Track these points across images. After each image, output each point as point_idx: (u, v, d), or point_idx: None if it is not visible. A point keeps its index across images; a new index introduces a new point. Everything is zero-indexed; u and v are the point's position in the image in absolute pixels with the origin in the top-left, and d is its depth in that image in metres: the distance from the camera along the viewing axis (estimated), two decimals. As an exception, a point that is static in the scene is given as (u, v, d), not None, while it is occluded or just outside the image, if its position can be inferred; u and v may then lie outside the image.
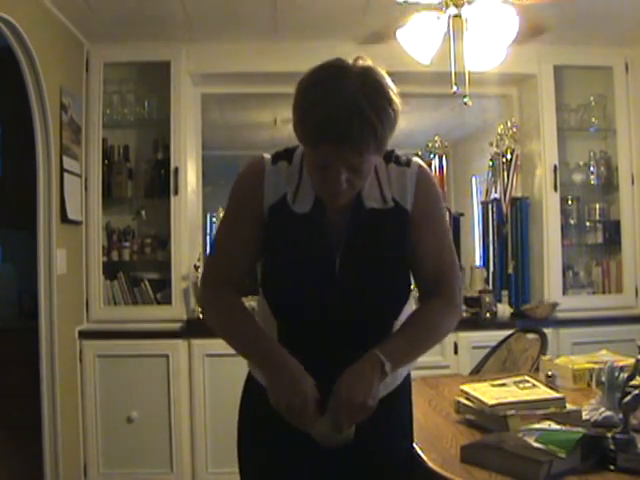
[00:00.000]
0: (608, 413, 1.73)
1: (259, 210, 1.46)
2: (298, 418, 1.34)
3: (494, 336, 3.16)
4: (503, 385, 1.94)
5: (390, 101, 1.31)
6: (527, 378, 2.00)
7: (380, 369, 1.36)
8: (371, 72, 1.33)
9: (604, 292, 3.96)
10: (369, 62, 1.36)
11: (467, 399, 1.87)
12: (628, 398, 1.51)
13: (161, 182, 3.70)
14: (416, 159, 1.53)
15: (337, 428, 1.35)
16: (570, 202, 3.99)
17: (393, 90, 1.33)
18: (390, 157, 1.47)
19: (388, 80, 1.34)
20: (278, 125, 6.08)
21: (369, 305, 1.45)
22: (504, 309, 3.81)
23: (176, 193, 3.66)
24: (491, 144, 4.20)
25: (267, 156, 1.50)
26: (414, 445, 1.60)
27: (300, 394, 1.33)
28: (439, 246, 1.51)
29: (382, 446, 1.50)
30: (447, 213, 1.63)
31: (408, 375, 1.59)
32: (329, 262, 1.43)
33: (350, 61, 1.34)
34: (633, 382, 1.61)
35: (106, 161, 3.70)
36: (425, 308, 1.51)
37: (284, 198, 1.45)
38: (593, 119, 3.96)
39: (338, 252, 1.44)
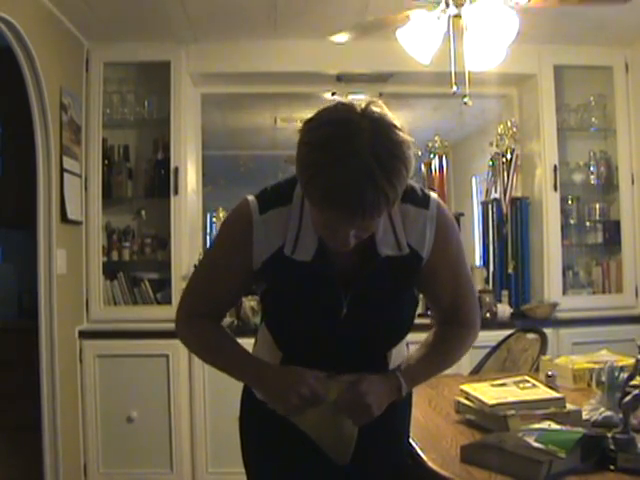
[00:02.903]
0: (608, 413, 1.73)
1: (247, 264, 1.39)
2: (294, 412, 1.36)
3: (494, 336, 3.15)
4: (503, 385, 1.94)
5: (404, 160, 1.19)
6: (527, 378, 2.00)
7: (397, 391, 1.42)
8: (383, 128, 1.19)
9: (604, 292, 3.95)
10: (379, 108, 1.22)
11: (467, 399, 1.87)
12: (628, 398, 1.51)
13: (161, 182, 3.70)
14: (434, 197, 1.42)
15: (339, 411, 1.38)
16: (570, 202, 3.99)
17: (406, 141, 1.21)
18: (406, 196, 1.31)
19: (400, 131, 1.21)
20: (278, 125, 6.08)
21: (373, 341, 1.45)
22: (504, 309, 3.81)
23: (176, 193, 3.66)
24: (491, 144, 4.20)
25: (253, 203, 1.38)
26: (411, 449, 1.61)
27: (301, 381, 1.34)
28: (457, 279, 1.48)
29: (385, 448, 1.51)
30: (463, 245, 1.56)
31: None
32: (335, 306, 1.39)
33: (360, 107, 1.21)
34: (633, 382, 1.61)
35: (106, 161, 3.70)
36: (446, 334, 1.52)
37: (280, 250, 1.36)
38: (593, 119, 3.96)
39: (345, 297, 1.38)
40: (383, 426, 1.44)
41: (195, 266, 1.56)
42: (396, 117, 1.23)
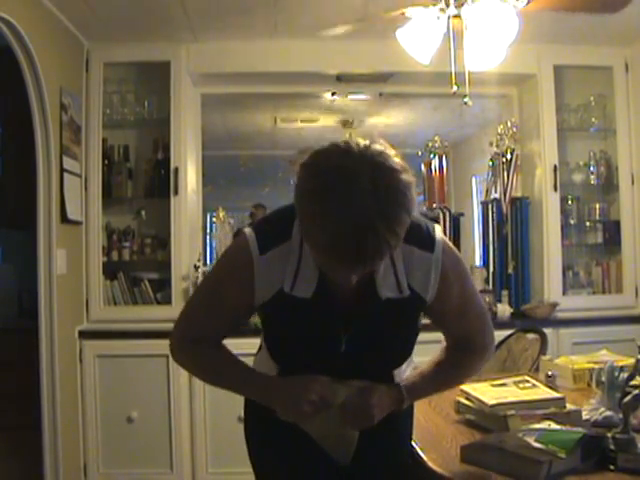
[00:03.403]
0: (608, 413, 1.73)
1: (249, 302, 1.39)
2: (307, 417, 1.37)
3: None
4: (503, 385, 1.94)
5: (406, 205, 1.16)
6: (527, 378, 2.00)
7: (398, 404, 1.43)
8: (383, 175, 1.15)
9: (604, 292, 3.95)
10: (380, 149, 1.19)
11: (467, 399, 1.87)
12: (628, 398, 1.51)
13: (161, 182, 3.70)
14: (439, 237, 1.38)
15: (343, 414, 1.39)
16: (570, 202, 3.99)
17: (408, 184, 1.17)
18: (410, 237, 1.26)
19: (401, 173, 1.17)
20: (278, 125, 6.08)
21: (373, 370, 1.45)
22: (504, 309, 3.81)
23: (176, 193, 3.66)
24: (491, 144, 4.20)
25: (253, 242, 1.34)
26: (412, 449, 1.61)
27: (309, 388, 1.34)
28: (466, 315, 1.47)
29: (386, 449, 1.52)
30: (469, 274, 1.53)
31: None
32: (334, 340, 1.38)
33: (358, 151, 1.17)
34: (633, 382, 1.60)
35: (106, 161, 3.70)
36: (456, 360, 1.52)
37: (280, 291, 1.34)
38: (593, 119, 3.96)
39: (344, 335, 1.38)
40: (385, 426, 1.44)
41: (191, 295, 1.54)
42: (396, 155, 1.20)
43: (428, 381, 1.50)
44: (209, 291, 1.46)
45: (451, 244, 1.42)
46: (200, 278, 3.75)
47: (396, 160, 1.18)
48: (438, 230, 1.40)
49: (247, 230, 1.38)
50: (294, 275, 1.33)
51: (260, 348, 1.56)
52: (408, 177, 1.18)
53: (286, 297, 1.34)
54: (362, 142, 1.19)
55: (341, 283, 1.26)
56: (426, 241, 1.35)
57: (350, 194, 1.12)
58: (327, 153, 1.19)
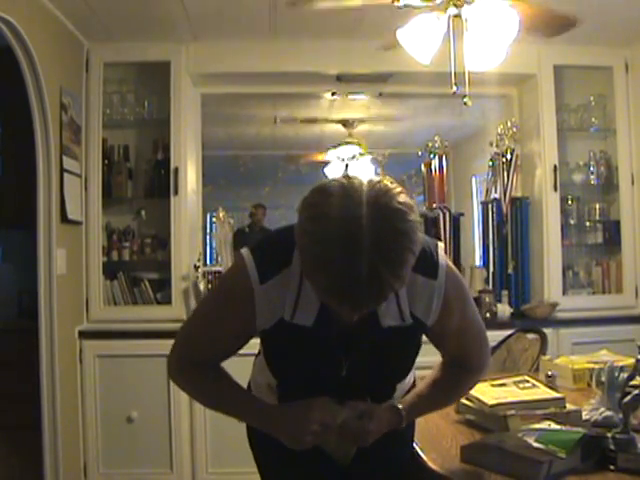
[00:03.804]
0: (608, 413, 1.73)
1: (249, 329, 1.38)
2: (323, 431, 1.36)
3: (494, 336, 3.13)
4: (503, 385, 1.94)
5: (411, 247, 1.13)
6: (527, 378, 2.01)
7: (396, 425, 1.43)
8: (388, 219, 1.11)
9: (604, 292, 3.95)
10: (384, 185, 1.15)
11: (467, 399, 1.87)
12: (628, 398, 1.51)
13: (161, 182, 3.70)
14: (442, 263, 1.35)
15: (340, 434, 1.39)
16: (570, 202, 3.99)
17: (413, 224, 1.13)
18: (415, 265, 1.20)
19: (406, 214, 1.13)
20: (278, 125, 6.09)
21: (375, 391, 1.45)
22: (504, 309, 3.81)
23: (176, 193, 3.66)
24: (491, 144, 4.20)
25: (253, 271, 1.30)
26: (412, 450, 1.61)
27: (310, 419, 1.34)
28: (465, 335, 1.46)
29: (387, 449, 1.50)
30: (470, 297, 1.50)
31: (412, 388, 1.60)
32: (335, 366, 1.38)
33: (361, 195, 1.12)
34: (633, 382, 1.61)
35: (106, 161, 3.70)
36: (452, 378, 1.52)
37: (281, 319, 1.33)
38: (593, 119, 3.96)
39: (345, 362, 1.37)
40: (382, 444, 1.44)
41: (189, 318, 1.52)
42: (401, 191, 1.16)
43: (425, 401, 1.50)
44: (208, 317, 1.43)
45: (453, 267, 1.40)
46: (200, 278, 3.75)
47: (401, 199, 1.14)
48: (441, 253, 1.37)
49: (246, 254, 1.33)
50: (295, 302, 1.31)
51: (259, 352, 1.55)
52: (414, 216, 1.14)
53: (286, 325, 1.33)
54: (365, 180, 1.15)
55: (343, 317, 1.26)
56: (430, 268, 1.32)
57: (353, 243, 1.09)
58: (328, 194, 1.14)
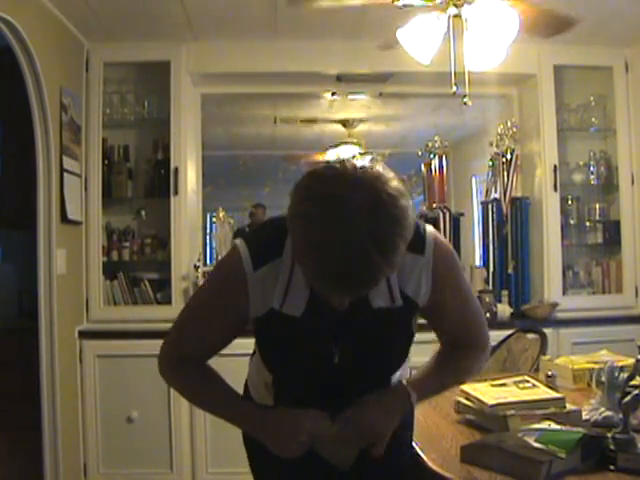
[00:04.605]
0: (608, 413, 1.73)
1: (242, 317, 1.36)
2: (301, 452, 1.35)
3: (494, 336, 3.10)
4: (503, 385, 1.94)
5: (403, 233, 1.12)
6: (527, 378, 2.00)
7: (407, 400, 1.40)
8: (380, 203, 1.11)
9: (604, 292, 3.95)
10: (377, 170, 1.14)
11: (467, 399, 1.87)
12: (628, 398, 1.51)
13: (161, 182, 3.70)
14: (429, 237, 1.34)
15: (345, 446, 1.38)
16: (570, 202, 3.99)
17: (405, 210, 1.12)
18: None
19: (399, 199, 1.12)
20: (278, 125, 6.09)
21: (370, 379, 1.43)
22: (504, 309, 3.81)
23: (176, 193, 3.66)
24: (491, 144, 4.20)
25: (246, 258, 1.30)
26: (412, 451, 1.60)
27: (298, 430, 1.33)
28: (461, 312, 1.45)
29: (388, 452, 1.49)
30: (464, 272, 1.50)
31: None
32: (327, 354, 1.37)
33: (354, 177, 1.12)
34: (633, 382, 1.61)
35: (106, 161, 3.70)
36: (456, 354, 1.49)
37: (272, 309, 1.32)
38: (593, 119, 3.96)
39: (336, 348, 1.36)
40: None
41: (182, 311, 1.50)
42: (394, 177, 1.15)
43: (432, 379, 1.47)
44: (202, 306, 1.42)
45: (444, 241, 1.39)
46: (200, 278, 3.75)
47: (394, 185, 1.13)
48: (430, 229, 1.36)
49: (239, 243, 1.34)
50: (284, 293, 1.31)
51: (254, 352, 1.54)
52: (406, 202, 1.14)
53: (277, 315, 1.32)
54: (359, 164, 1.14)
55: (333, 304, 1.27)
56: (417, 243, 1.29)
57: (345, 225, 1.08)
58: (322, 177, 1.14)
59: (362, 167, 1.14)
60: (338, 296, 1.22)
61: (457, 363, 1.50)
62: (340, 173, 1.13)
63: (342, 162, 1.15)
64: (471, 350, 1.50)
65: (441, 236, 1.39)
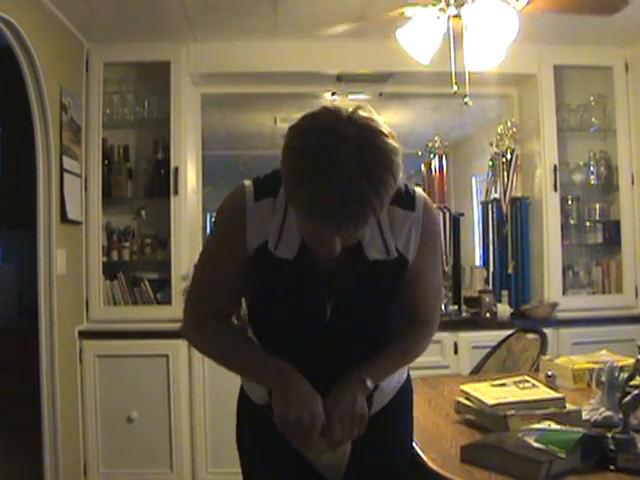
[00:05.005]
0: (608, 413, 1.73)
1: (242, 250, 1.36)
2: (302, 436, 1.30)
3: (494, 336, 3.16)
4: (503, 385, 1.94)
5: (391, 169, 1.16)
6: (527, 378, 2.00)
7: (362, 383, 1.36)
8: (370, 136, 1.16)
9: (604, 292, 3.95)
10: (367, 114, 1.19)
11: (467, 399, 1.87)
12: (628, 398, 1.51)
13: (161, 182, 3.70)
14: (419, 196, 1.38)
15: (333, 444, 1.34)
16: (570, 202, 3.99)
17: (394, 149, 1.17)
18: (392, 199, 1.25)
19: (388, 138, 1.18)
20: (278, 125, 6.08)
21: (362, 342, 1.42)
22: (504, 309, 3.81)
23: (176, 193, 3.66)
24: (491, 144, 4.20)
25: (249, 189, 1.37)
26: (412, 450, 1.59)
27: (311, 411, 1.29)
28: (431, 282, 1.46)
29: (381, 461, 1.48)
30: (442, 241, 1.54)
31: (405, 388, 1.56)
32: (319, 307, 1.37)
33: (346, 114, 1.17)
34: (633, 382, 1.61)
35: (106, 161, 3.70)
36: (404, 332, 1.48)
37: (265, 244, 1.34)
38: (593, 119, 3.96)
39: (329, 299, 1.36)
40: (378, 436, 1.42)
41: (195, 265, 1.53)
42: (384, 122, 1.21)
43: (381, 359, 1.43)
44: (209, 245, 1.48)
45: (431, 203, 1.43)
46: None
47: (385, 126, 1.19)
48: (419, 190, 1.41)
49: (246, 181, 1.40)
50: (279, 232, 1.33)
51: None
52: (395, 143, 1.18)
53: (270, 256, 1.33)
54: (351, 106, 1.20)
55: (325, 255, 1.26)
56: (407, 201, 1.36)
57: (336, 155, 1.13)
58: (316, 115, 1.19)
59: (356, 108, 1.20)
60: (327, 234, 1.21)
61: (406, 342, 1.48)
62: (334, 112, 1.18)
63: (335, 105, 1.20)
64: (422, 326, 1.50)
65: (430, 199, 1.43)
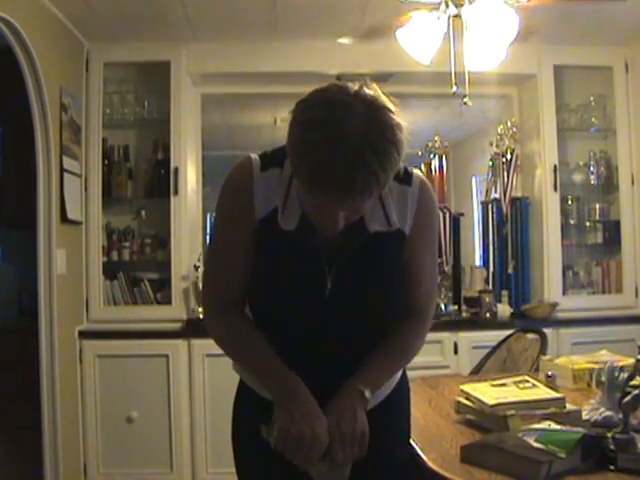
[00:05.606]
0: (608, 413, 1.73)
1: (251, 220, 1.37)
2: (303, 453, 1.27)
3: (494, 336, 3.16)
4: (503, 385, 1.94)
5: (396, 143, 1.20)
6: (527, 378, 2.00)
7: (360, 396, 1.34)
8: (376, 110, 1.19)
9: (604, 292, 3.95)
10: (373, 91, 1.22)
11: (467, 399, 1.87)
12: (628, 398, 1.51)
13: (161, 182, 3.70)
14: (417, 173, 1.42)
15: (335, 465, 1.31)
16: (570, 202, 3.99)
17: (399, 124, 1.21)
18: None
19: (393, 114, 1.21)
20: (278, 125, 6.08)
21: (361, 322, 1.40)
22: (504, 309, 3.81)
23: (176, 193, 3.66)
24: (491, 144, 4.20)
25: (255, 160, 1.38)
26: (412, 450, 1.59)
27: (314, 429, 1.27)
28: (424, 265, 1.45)
29: (378, 459, 1.46)
30: (437, 231, 1.54)
31: (402, 385, 1.55)
32: (319, 280, 1.36)
33: (353, 89, 1.20)
34: (633, 382, 1.60)
35: (106, 161, 3.70)
36: (399, 330, 1.45)
37: (274, 212, 1.35)
38: (593, 119, 3.96)
39: (329, 273, 1.35)
40: (374, 434, 1.37)
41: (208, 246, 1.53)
42: (390, 100, 1.23)
43: (376, 363, 1.40)
44: (221, 220, 1.45)
45: (429, 185, 1.45)
46: (200, 278, 3.75)
47: (391, 104, 1.22)
48: (417, 170, 1.44)
49: (252, 154, 1.41)
50: (283, 204, 1.35)
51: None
52: (400, 119, 1.22)
53: (274, 227, 1.34)
54: (358, 84, 1.22)
55: (328, 230, 1.27)
56: (403, 175, 1.38)
57: (342, 127, 1.15)
58: (323, 89, 1.23)
59: (363, 85, 1.22)
60: (332, 208, 1.22)
61: (400, 342, 1.45)
62: (342, 87, 1.22)
63: (343, 82, 1.23)
64: (415, 323, 1.47)
65: (427, 180, 1.45)
